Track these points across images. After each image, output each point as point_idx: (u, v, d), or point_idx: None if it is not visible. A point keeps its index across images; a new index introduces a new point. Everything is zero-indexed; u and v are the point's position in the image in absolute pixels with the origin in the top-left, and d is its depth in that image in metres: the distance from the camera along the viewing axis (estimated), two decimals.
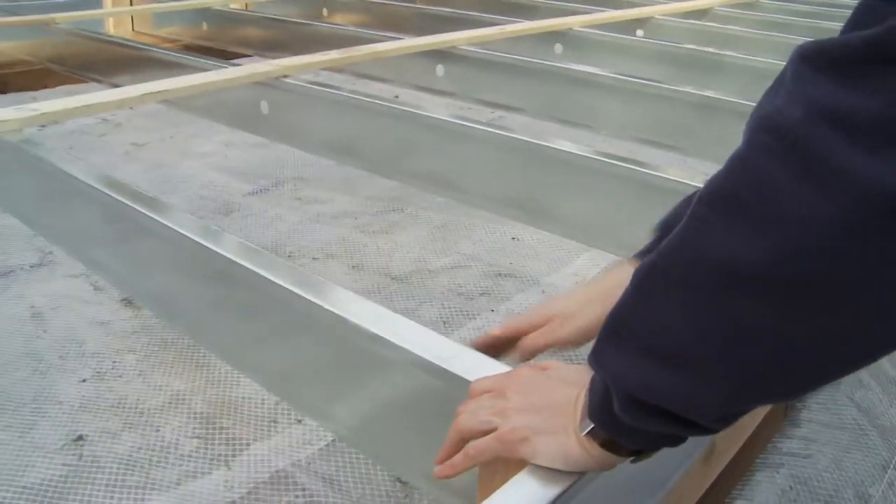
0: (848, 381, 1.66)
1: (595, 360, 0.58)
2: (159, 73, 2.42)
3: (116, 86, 2.68)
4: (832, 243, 0.42)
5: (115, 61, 2.78)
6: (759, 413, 1.31)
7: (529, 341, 0.85)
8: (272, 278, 0.99)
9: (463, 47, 2.56)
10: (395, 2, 3.96)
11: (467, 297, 1.93)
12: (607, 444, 0.61)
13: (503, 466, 0.68)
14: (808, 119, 0.42)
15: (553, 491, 0.63)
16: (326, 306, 0.91)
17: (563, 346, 0.85)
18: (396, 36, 2.80)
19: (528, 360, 0.86)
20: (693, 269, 0.49)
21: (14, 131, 1.64)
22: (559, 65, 2.35)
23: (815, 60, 0.43)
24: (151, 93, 1.92)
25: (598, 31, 3.00)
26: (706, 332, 0.49)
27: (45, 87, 3.63)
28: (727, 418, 0.54)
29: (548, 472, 0.65)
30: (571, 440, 0.63)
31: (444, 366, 0.79)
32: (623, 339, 0.55)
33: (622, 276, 0.77)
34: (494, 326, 0.89)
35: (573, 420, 0.63)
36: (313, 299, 0.93)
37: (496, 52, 2.49)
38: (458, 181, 1.76)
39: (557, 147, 1.57)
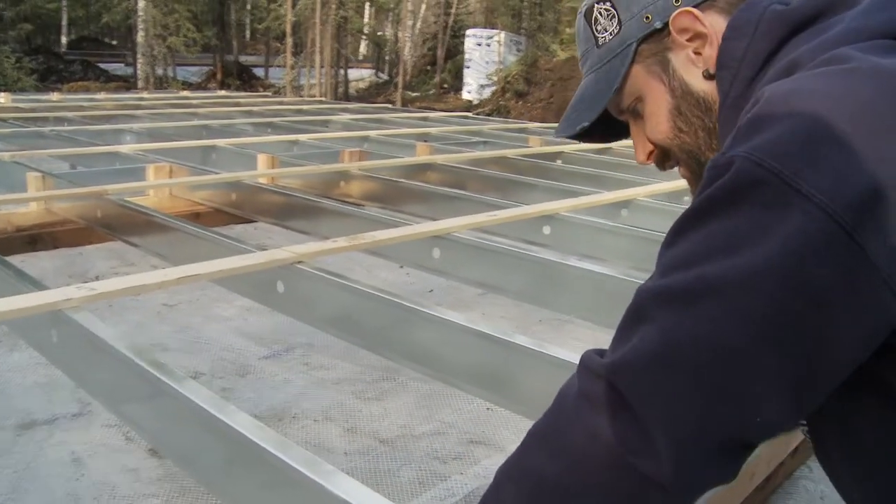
0: None
1: None
2: (184, 242, 2.83)
3: (150, 249, 3.12)
4: (582, 477, 0.77)
5: (148, 229, 3.22)
6: None
7: None
8: (265, 446, 1.30)
9: (456, 234, 2.97)
10: (404, 180, 4.43)
11: (442, 461, 2.25)
12: None
13: None
14: (577, 396, 0.79)
15: None
16: (303, 470, 1.23)
17: None
18: (402, 220, 3.23)
19: None
20: (519, 475, 0.84)
21: (75, 308, 2.02)
22: (536, 254, 2.72)
23: (582, 363, 0.80)
24: (188, 276, 2.30)
25: (581, 217, 3.39)
26: None
27: (90, 243, 4.07)
28: None
29: None
30: None
31: None
32: None
33: None
34: None
35: None
36: (294, 465, 1.25)
37: (484, 237, 2.88)
38: (436, 361, 2.11)
39: (517, 342, 1.91)
